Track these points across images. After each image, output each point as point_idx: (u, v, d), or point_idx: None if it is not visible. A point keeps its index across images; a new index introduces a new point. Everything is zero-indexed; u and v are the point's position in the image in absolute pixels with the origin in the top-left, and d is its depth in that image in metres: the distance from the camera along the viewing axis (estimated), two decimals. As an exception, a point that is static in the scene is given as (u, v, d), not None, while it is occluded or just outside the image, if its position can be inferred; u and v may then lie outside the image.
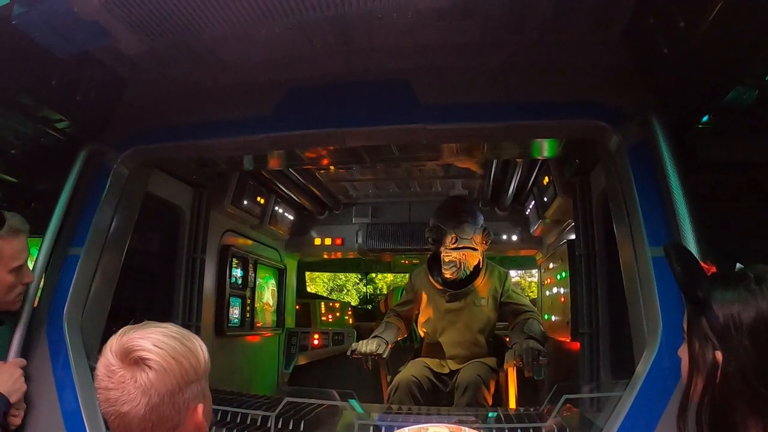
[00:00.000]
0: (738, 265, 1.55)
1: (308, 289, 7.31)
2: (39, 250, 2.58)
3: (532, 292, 8.76)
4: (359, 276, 9.96)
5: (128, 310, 3.22)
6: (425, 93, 2.55)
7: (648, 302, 2.12)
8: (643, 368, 2.04)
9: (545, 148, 2.98)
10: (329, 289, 10.26)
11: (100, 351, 2.59)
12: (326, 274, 9.80)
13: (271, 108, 2.71)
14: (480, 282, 3.95)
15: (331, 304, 6.68)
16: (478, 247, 3.82)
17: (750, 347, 1.26)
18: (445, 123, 2.51)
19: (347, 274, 9.96)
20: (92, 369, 2.47)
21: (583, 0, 2.12)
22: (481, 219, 3.88)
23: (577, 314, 3.31)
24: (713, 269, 1.55)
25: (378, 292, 9.50)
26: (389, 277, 9.02)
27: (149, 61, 2.57)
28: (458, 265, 3.78)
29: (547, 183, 3.78)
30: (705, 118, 2.32)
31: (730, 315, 1.31)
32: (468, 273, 3.85)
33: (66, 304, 2.53)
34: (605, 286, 3.04)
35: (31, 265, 2.44)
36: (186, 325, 3.55)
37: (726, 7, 1.71)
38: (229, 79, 2.81)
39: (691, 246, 1.96)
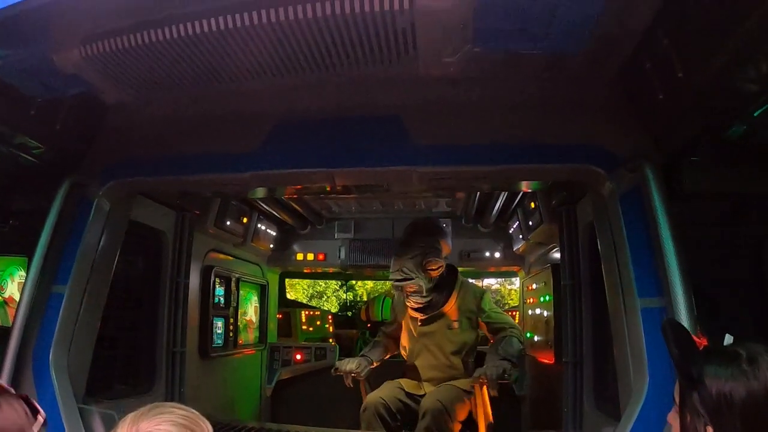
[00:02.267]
0: (728, 337, 1.61)
1: (288, 296, 7.25)
2: (23, 289, 2.51)
3: (512, 299, 8.91)
4: (339, 283, 9.96)
5: (112, 339, 3.17)
6: (417, 131, 2.52)
7: (635, 353, 2.17)
8: (628, 419, 2.08)
9: (534, 185, 3.00)
10: (309, 295, 10.19)
11: (86, 391, 2.57)
12: (306, 281, 9.75)
13: (259, 143, 2.65)
14: (451, 305, 3.92)
15: (311, 312, 6.65)
16: (415, 275, 3.73)
17: (741, 426, 1.31)
18: (438, 165, 2.49)
19: (327, 281, 9.94)
20: (80, 410, 2.44)
21: (579, 42, 2.11)
22: (417, 248, 3.78)
23: (561, 342, 3.36)
24: (705, 342, 1.60)
25: (358, 299, 9.51)
26: (369, 284, 9.03)
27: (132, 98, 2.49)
28: (408, 296, 3.83)
29: (533, 208, 3.82)
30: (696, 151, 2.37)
31: (722, 393, 1.35)
32: (429, 300, 3.81)
33: (52, 347, 2.47)
34: (590, 317, 3.09)
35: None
36: (171, 351, 3.51)
37: (725, 57, 1.73)
38: (216, 111, 2.72)
39: (680, 300, 2.01)
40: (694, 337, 1.62)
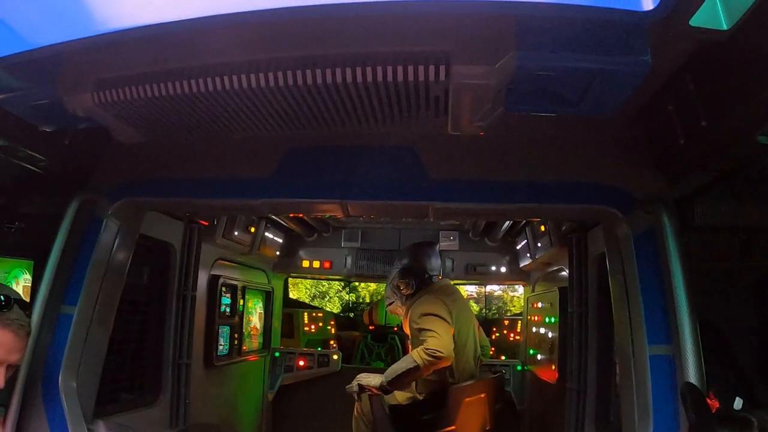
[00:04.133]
0: (738, 401, 1.63)
1: (290, 295, 7.28)
2: (32, 309, 2.49)
3: (513, 306, 8.92)
4: (342, 283, 9.98)
5: (118, 352, 3.17)
6: (433, 165, 2.49)
7: (641, 399, 2.16)
8: None
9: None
10: (311, 295, 10.21)
11: (94, 412, 2.59)
12: (308, 280, 9.78)
13: (272, 169, 2.61)
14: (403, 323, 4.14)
15: (314, 314, 6.67)
16: (393, 298, 4.06)
17: None
18: (454, 202, 2.45)
19: (330, 281, 9.97)
20: None
21: (613, 107, 2.07)
22: (394, 273, 4.05)
23: (564, 366, 3.38)
24: (716, 404, 1.64)
25: (361, 300, 9.53)
26: (372, 286, 9.05)
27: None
28: None
29: (542, 231, 3.80)
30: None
31: None
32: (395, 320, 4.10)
33: (61, 369, 2.47)
34: (595, 346, 3.11)
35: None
36: (177, 363, 3.52)
37: (754, 111, 1.70)
38: (228, 135, 2.70)
39: (689, 350, 2.00)
40: (708, 400, 1.65)
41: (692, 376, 1.96)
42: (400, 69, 1.54)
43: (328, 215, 4.20)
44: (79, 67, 1.78)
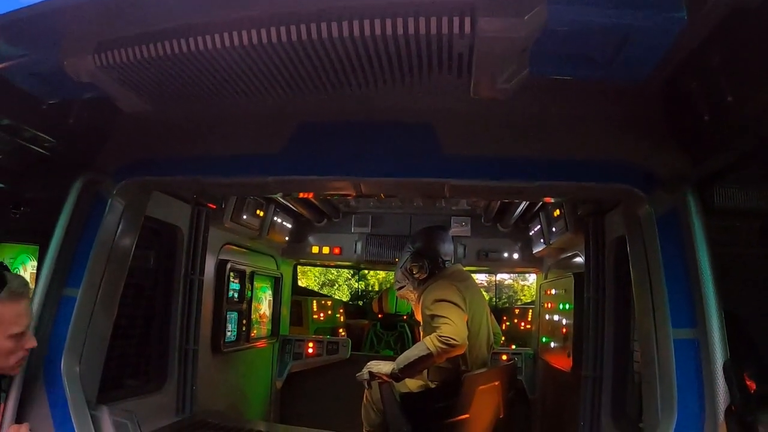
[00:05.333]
0: None
1: (299, 283, 7.24)
2: (34, 292, 2.45)
3: (524, 295, 8.85)
4: (351, 271, 9.94)
5: (125, 337, 3.13)
6: (449, 141, 2.39)
7: (664, 385, 2.07)
8: None
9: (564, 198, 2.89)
10: (320, 283, 10.20)
11: (98, 398, 2.54)
12: (317, 268, 9.76)
13: (282, 145, 2.52)
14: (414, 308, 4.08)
15: (323, 302, 6.63)
16: (404, 282, 3.92)
17: None
18: (470, 179, 2.35)
19: (339, 269, 9.94)
20: (93, 418, 2.40)
21: (641, 71, 1.97)
22: (405, 255, 3.91)
23: (580, 354, 3.29)
24: (753, 386, 1.61)
25: (370, 288, 9.50)
26: (381, 274, 9.01)
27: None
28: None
29: (557, 216, 3.70)
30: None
31: None
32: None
33: (63, 353, 2.41)
34: (612, 332, 3.02)
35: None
36: (183, 349, 3.48)
37: None
38: (236, 109, 2.59)
39: (716, 334, 1.92)
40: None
41: (719, 359, 1.88)
42: (421, 21, 1.43)
43: (337, 196, 4.09)
44: (78, 27, 1.70)
